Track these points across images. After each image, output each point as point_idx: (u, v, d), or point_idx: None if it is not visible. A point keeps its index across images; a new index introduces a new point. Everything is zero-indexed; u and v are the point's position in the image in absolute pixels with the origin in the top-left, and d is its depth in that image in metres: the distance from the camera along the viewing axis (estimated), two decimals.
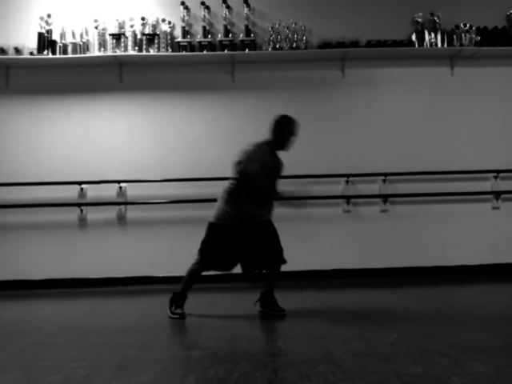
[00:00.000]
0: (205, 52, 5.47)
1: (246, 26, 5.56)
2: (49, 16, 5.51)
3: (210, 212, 5.45)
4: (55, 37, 5.50)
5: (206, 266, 3.73)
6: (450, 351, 2.46)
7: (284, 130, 3.73)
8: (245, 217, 3.62)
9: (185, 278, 3.75)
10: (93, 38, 5.50)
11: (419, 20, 5.62)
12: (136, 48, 5.45)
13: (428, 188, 5.53)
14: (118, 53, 5.42)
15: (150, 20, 5.55)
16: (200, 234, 5.57)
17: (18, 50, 5.46)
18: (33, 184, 5.34)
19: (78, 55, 5.42)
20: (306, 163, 5.29)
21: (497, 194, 5.60)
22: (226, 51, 5.46)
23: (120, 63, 5.53)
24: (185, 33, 5.53)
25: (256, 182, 3.58)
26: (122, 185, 5.47)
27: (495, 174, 5.60)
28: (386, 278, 5.36)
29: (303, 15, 5.57)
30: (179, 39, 5.51)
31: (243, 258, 3.69)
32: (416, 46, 5.56)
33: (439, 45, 5.57)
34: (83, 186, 5.44)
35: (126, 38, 5.46)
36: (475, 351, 2.45)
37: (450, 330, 2.97)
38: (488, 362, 2.28)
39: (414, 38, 5.58)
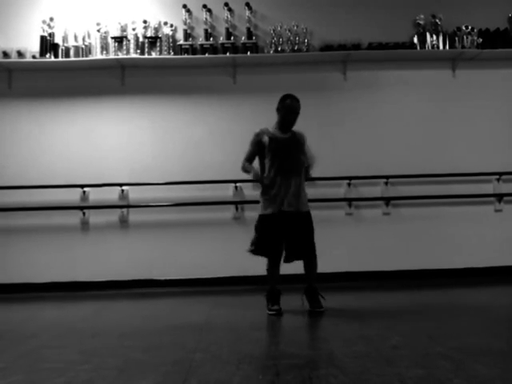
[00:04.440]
0: (207, 55, 5.48)
1: (248, 29, 5.56)
2: (51, 19, 5.53)
3: (212, 215, 5.50)
4: (57, 40, 5.51)
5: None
6: (453, 354, 2.45)
7: (282, 107, 3.87)
8: None
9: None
10: (95, 41, 5.52)
11: (421, 22, 5.62)
12: (138, 51, 5.47)
13: (430, 190, 5.52)
14: (120, 56, 5.43)
15: (152, 23, 5.57)
16: (202, 236, 5.55)
17: (20, 54, 5.47)
18: (35, 187, 5.34)
19: (80, 58, 5.43)
20: None
21: (499, 197, 5.59)
22: (227, 54, 5.47)
23: (122, 66, 5.54)
24: (187, 36, 5.54)
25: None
26: (124, 188, 5.47)
27: (497, 177, 5.59)
28: (388, 281, 5.35)
29: (305, 18, 5.58)
30: (181, 42, 5.52)
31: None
32: (418, 48, 5.56)
33: (441, 47, 5.57)
34: (85, 189, 5.44)
35: (128, 41, 5.47)
36: (479, 354, 2.44)
37: (453, 333, 2.96)
38: (492, 364, 2.27)
39: (415, 40, 5.59)
